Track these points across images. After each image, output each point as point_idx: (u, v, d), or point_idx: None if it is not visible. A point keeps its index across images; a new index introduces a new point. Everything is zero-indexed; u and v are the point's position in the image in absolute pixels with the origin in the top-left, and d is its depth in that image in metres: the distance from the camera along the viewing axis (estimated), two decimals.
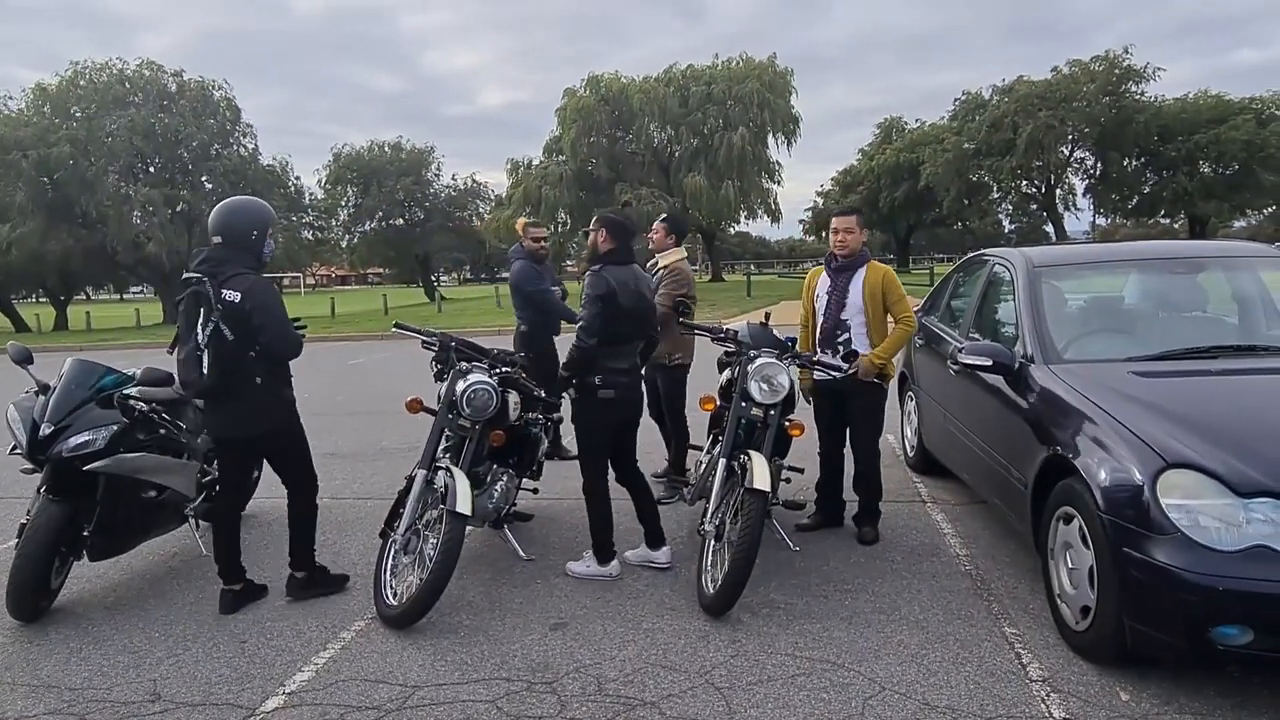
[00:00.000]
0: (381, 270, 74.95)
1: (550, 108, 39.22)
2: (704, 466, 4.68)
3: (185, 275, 3.84)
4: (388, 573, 3.97)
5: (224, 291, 3.74)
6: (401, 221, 46.43)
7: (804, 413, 4.65)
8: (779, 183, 40.05)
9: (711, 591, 3.82)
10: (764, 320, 4.96)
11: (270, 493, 6.04)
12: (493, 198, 46.62)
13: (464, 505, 3.76)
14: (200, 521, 4.93)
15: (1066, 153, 42.41)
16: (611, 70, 38.48)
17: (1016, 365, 4.04)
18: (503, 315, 26.72)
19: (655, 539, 4.46)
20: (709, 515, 4.02)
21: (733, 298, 29.57)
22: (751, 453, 3.99)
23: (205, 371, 3.75)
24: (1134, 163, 42.42)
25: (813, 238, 70.33)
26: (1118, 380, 3.57)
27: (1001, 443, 4.14)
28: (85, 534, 4.08)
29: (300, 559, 4.21)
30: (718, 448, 4.38)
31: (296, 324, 4.10)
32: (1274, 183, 39.28)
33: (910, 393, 6.26)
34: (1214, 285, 4.57)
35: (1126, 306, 4.60)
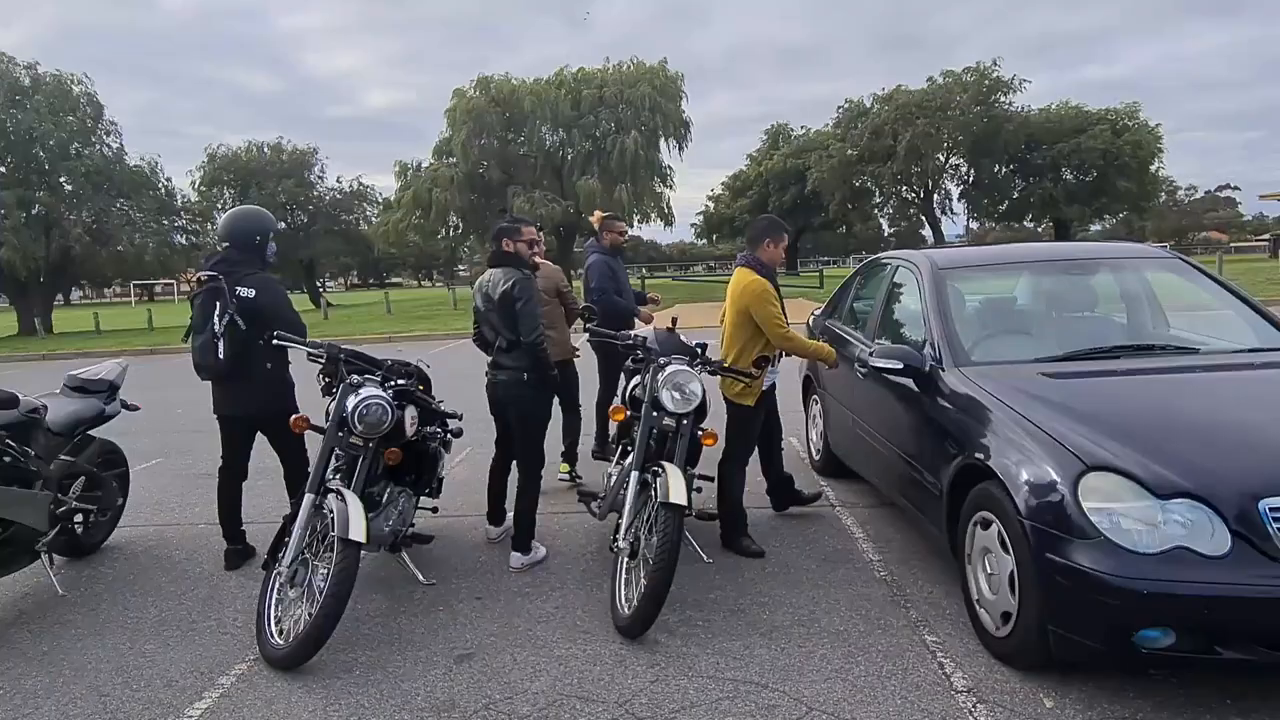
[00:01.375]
0: None
1: (437, 111, 38.63)
2: (614, 479, 4.49)
3: (200, 274, 4.40)
4: (272, 608, 3.62)
5: (239, 289, 4.30)
6: (284, 225, 44.44)
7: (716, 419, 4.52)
8: (671, 187, 40.35)
9: (627, 613, 3.63)
10: (671, 325, 4.82)
11: (137, 521, 5.54)
12: (380, 200, 45.23)
13: (357, 531, 3.46)
14: (55, 557, 4.43)
15: (943, 159, 44.32)
16: (501, 72, 37.93)
17: (927, 368, 4.01)
18: (393, 322, 25.90)
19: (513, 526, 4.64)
20: (622, 532, 3.84)
21: None
22: (665, 464, 3.83)
23: (221, 356, 4.30)
24: (1004, 169, 44.68)
25: (704, 241, 71.25)
26: (1029, 382, 3.57)
27: (913, 446, 4.11)
28: None
29: None
30: (628, 459, 4.20)
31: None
32: (1127, 188, 42.10)
33: (815, 396, 6.24)
34: (1109, 285, 4.68)
35: (1028, 308, 4.66)
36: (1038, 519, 2.94)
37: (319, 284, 55.92)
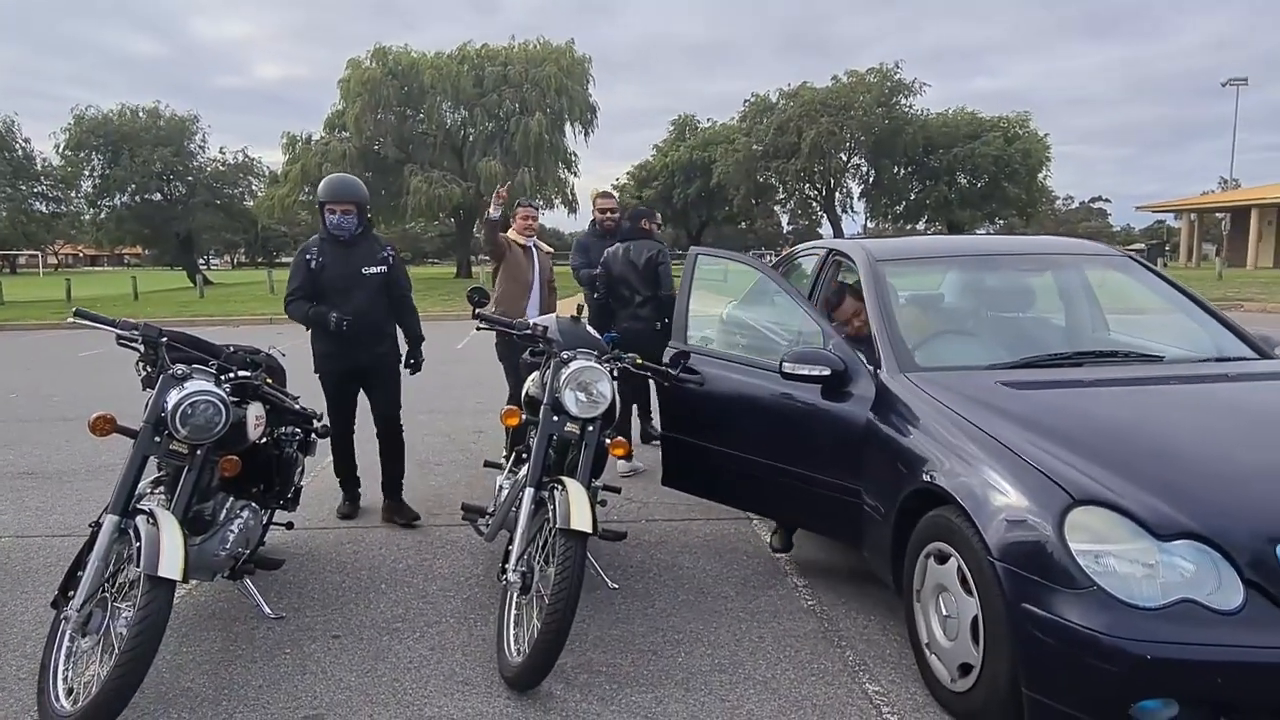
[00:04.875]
0: (140, 251, 67.30)
1: (333, 85, 36.21)
2: (505, 492, 3.85)
3: None
4: (60, 661, 2.83)
5: None
6: (159, 196, 41.35)
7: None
8: (576, 174, 39.46)
9: (517, 659, 3.00)
10: (576, 314, 4.20)
11: None
12: (267, 174, 42.63)
13: (168, 565, 2.71)
14: None
15: (845, 159, 44.90)
16: (401, 44, 36.14)
17: (864, 373, 3.51)
18: (276, 303, 24.29)
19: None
20: (513, 561, 3.19)
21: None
22: (566, 480, 3.21)
23: None
24: (902, 171, 45.61)
25: None
26: (988, 393, 3.10)
27: (843, 467, 3.56)
28: None
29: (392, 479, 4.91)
30: (522, 469, 3.57)
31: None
32: (1017, 195, 43.65)
33: None
34: (1061, 283, 4.30)
35: (974, 307, 4.22)
36: (1012, 560, 2.46)
37: (202, 260, 52.71)
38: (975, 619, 2.61)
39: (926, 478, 2.91)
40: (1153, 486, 2.42)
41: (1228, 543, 2.27)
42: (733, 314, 4.90)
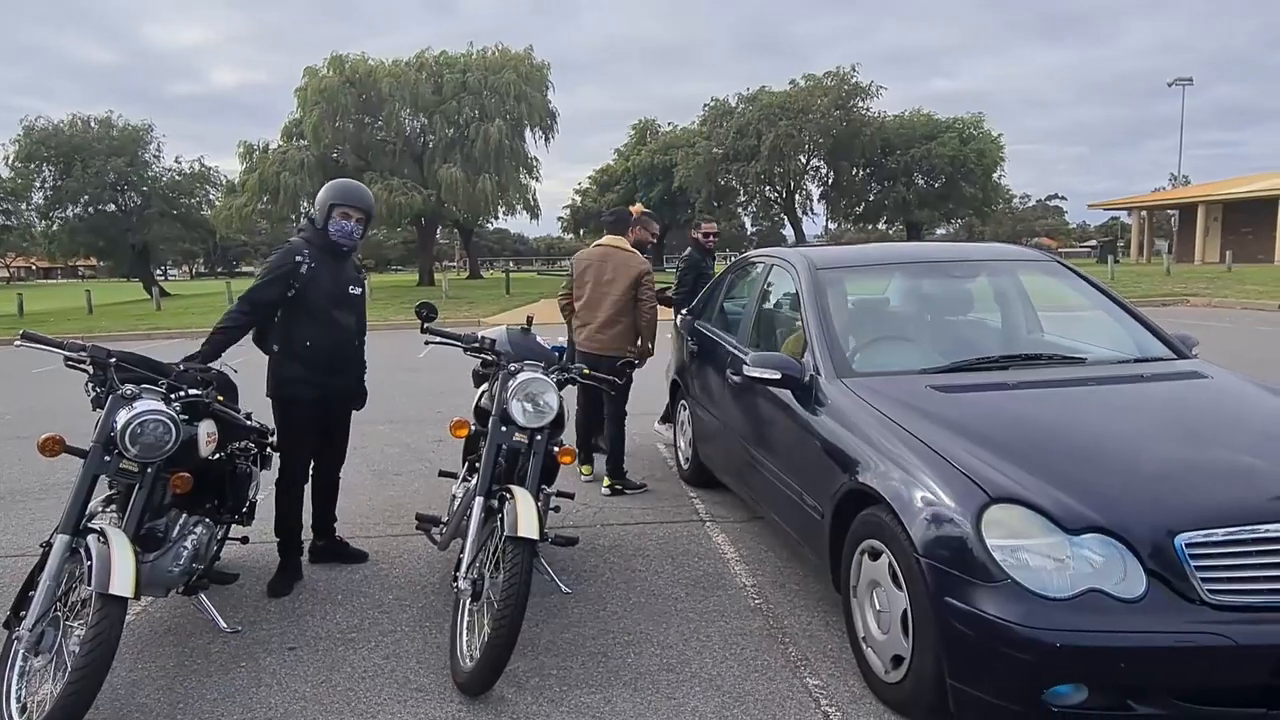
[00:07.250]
0: (95, 263, 66.01)
1: (291, 89, 35.81)
2: (458, 501, 3.92)
3: None
4: (14, 680, 2.86)
5: None
6: (114, 207, 40.58)
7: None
8: (537, 179, 39.41)
9: (468, 665, 3.08)
10: (526, 326, 4.28)
11: None
12: (224, 183, 42.01)
13: (120, 583, 2.75)
14: None
15: (804, 161, 45.34)
16: (358, 51, 35.86)
17: (807, 378, 3.65)
18: None
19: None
20: (464, 568, 3.27)
21: (491, 295, 28.71)
22: (514, 489, 3.29)
23: None
24: (861, 172, 46.18)
25: (571, 235, 70.61)
26: (918, 397, 3.24)
27: (792, 465, 3.73)
28: None
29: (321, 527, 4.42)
30: (474, 479, 3.65)
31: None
32: (973, 194, 44.41)
33: (683, 402, 5.84)
34: (989, 288, 4.47)
35: (909, 312, 4.38)
36: (935, 556, 2.59)
37: (160, 271, 51.84)
38: (905, 612, 2.75)
39: (859, 478, 3.04)
40: (1064, 483, 2.56)
41: (1131, 535, 2.41)
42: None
